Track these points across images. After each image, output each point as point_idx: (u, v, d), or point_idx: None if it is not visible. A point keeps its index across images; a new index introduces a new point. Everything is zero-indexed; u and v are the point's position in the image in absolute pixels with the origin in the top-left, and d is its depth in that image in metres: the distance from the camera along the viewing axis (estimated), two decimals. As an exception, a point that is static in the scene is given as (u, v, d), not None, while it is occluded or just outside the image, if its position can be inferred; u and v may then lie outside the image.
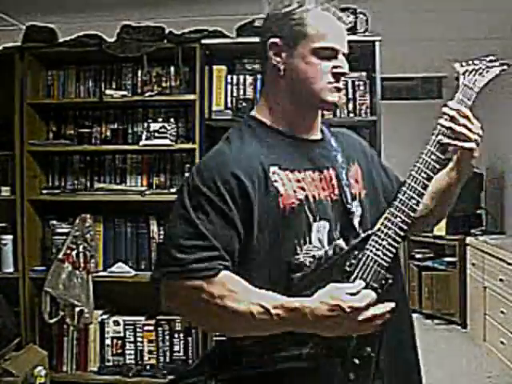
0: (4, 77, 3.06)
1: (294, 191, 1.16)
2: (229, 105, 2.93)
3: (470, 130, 1.19)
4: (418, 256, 5.17)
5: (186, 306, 1.13)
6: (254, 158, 1.16)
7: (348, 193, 1.22)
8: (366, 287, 1.08)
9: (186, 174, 2.97)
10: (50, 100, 3.18)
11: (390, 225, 1.14)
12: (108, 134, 3.20)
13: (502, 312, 3.80)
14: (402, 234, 1.14)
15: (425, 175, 1.17)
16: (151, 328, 3.01)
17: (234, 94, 2.94)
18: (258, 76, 2.94)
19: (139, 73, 3.15)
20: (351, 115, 2.96)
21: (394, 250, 1.13)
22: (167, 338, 3.00)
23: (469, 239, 4.57)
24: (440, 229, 4.85)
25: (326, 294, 1.04)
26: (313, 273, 1.13)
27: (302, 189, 1.17)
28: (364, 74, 2.99)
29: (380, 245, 1.13)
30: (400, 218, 1.14)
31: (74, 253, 2.94)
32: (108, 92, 3.08)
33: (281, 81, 1.22)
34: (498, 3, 3.19)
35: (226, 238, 1.10)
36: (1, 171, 3.19)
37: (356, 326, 1.05)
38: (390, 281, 1.12)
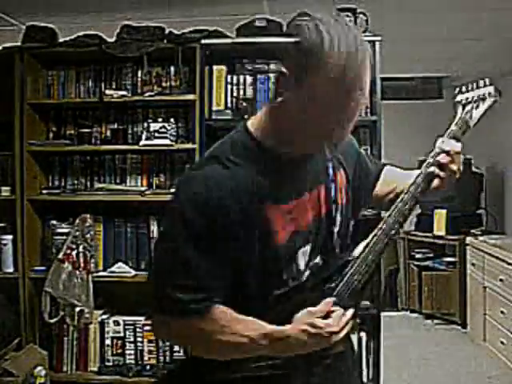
0: (4, 77, 3.06)
1: (287, 225, 1.16)
2: (229, 105, 2.93)
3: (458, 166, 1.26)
4: (417, 256, 5.16)
5: (178, 338, 1.24)
6: (248, 188, 1.11)
7: (333, 208, 1.25)
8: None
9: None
10: (50, 100, 3.18)
11: (370, 250, 1.19)
12: (108, 134, 3.20)
13: (501, 312, 3.80)
14: (379, 259, 1.21)
15: (407, 207, 1.22)
16: (151, 328, 3.00)
17: (234, 94, 2.94)
18: (258, 76, 2.94)
19: (139, 73, 3.15)
20: (351, 115, 2.96)
21: (370, 275, 1.20)
22: (167, 338, 3.00)
23: (469, 239, 4.57)
24: (440, 229, 4.86)
25: (304, 322, 1.10)
26: (292, 293, 1.18)
27: (293, 220, 1.17)
28: (364, 73, 2.99)
29: (358, 270, 1.19)
30: (379, 245, 1.20)
31: (74, 253, 2.94)
32: (108, 92, 3.08)
33: (297, 109, 1.12)
34: (497, 3, 3.18)
35: (222, 275, 1.12)
36: (1, 171, 3.20)
37: (329, 342, 1.12)
38: (360, 301, 1.21)
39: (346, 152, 1.32)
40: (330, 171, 1.26)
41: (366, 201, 1.43)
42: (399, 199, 1.23)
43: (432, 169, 1.24)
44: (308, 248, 1.21)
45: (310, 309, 1.12)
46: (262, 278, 1.15)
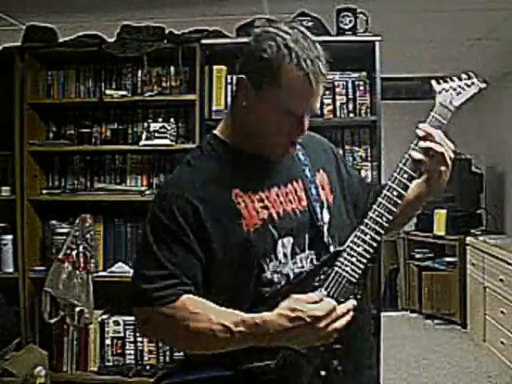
0: (4, 77, 3.06)
1: (257, 212, 1.18)
2: (229, 105, 2.92)
3: (445, 149, 1.21)
4: (417, 256, 5.17)
5: (155, 329, 1.17)
6: (214, 181, 1.18)
7: (316, 203, 1.25)
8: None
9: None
10: (50, 100, 3.18)
11: (359, 242, 1.18)
12: (108, 134, 3.20)
13: (501, 312, 3.80)
14: (371, 250, 1.18)
15: (396, 193, 1.20)
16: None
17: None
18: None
19: (139, 73, 3.15)
20: (351, 115, 2.96)
21: (362, 266, 1.17)
22: (167, 338, 3.00)
23: (469, 239, 4.57)
24: (440, 229, 4.86)
25: (285, 307, 1.06)
26: (282, 289, 1.16)
27: (265, 208, 1.19)
28: (364, 73, 2.99)
29: (349, 261, 1.16)
30: (370, 235, 1.18)
31: (74, 253, 2.94)
32: (108, 92, 3.08)
33: (246, 114, 1.19)
34: (498, 3, 3.18)
35: (187, 265, 1.14)
36: (1, 171, 3.20)
37: (318, 334, 1.06)
38: (358, 296, 1.16)
39: (323, 155, 1.36)
40: (308, 172, 1.28)
41: (362, 202, 1.38)
42: (386, 187, 1.21)
43: (411, 152, 1.21)
44: (290, 239, 1.20)
45: (295, 296, 1.07)
46: (238, 265, 1.15)
